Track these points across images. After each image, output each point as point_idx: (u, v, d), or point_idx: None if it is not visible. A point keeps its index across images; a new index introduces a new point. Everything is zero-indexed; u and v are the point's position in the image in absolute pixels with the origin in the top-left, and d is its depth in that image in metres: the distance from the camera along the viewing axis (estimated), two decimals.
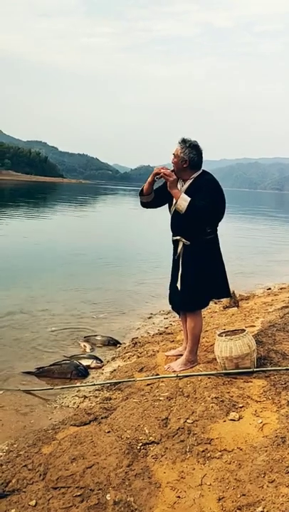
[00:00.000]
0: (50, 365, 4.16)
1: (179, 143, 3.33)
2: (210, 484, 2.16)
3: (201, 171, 3.39)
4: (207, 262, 3.39)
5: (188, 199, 3.21)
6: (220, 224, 3.48)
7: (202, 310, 3.67)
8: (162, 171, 3.29)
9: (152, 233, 16.79)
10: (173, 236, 3.49)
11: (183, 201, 3.22)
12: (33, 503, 2.14)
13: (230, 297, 4.19)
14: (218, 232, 3.47)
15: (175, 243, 3.49)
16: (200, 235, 3.34)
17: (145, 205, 3.60)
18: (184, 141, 3.32)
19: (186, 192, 3.32)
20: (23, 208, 26.32)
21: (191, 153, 3.29)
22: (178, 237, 3.43)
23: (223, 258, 3.51)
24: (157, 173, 3.34)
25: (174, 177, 3.29)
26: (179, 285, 3.45)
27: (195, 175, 3.37)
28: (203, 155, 3.39)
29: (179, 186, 3.36)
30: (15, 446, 2.70)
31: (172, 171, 3.36)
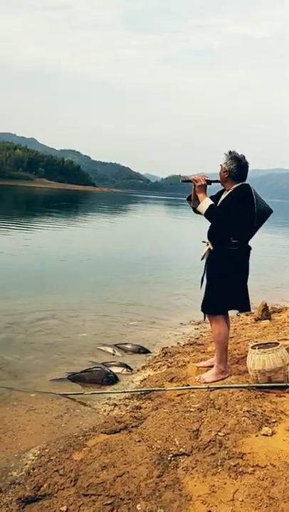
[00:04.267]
0: (82, 372, 4.20)
1: (225, 154, 3.45)
2: (242, 500, 2.11)
3: (241, 183, 3.44)
4: (227, 271, 3.43)
5: (210, 203, 3.44)
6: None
7: (232, 320, 3.66)
8: (193, 176, 3.57)
9: (186, 243, 16.74)
10: (205, 240, 3.60)
11: (204, 203, 3.46)
12: (64, 508, 2.15)
13: (248, 311, 4.19)
14: (247, 247, 3.48)
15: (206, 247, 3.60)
16: (223, 243, 3.42)
17: (194, 210, 3.66)
18: (229, 153, 3.45)
19: (223, 201, 3.46)
20: (56, 216, 26.80)
21: (231, 165, 3.41)
22: (206, 242, 3.57)
23: (248, 273, 3.52)
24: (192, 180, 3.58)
25: (202, 182, 3.51)
26: (201, 287, 3.61)
27: (235, 186, 3.44)
28: None
29: (223, 196, 3.51)
30: (46, 450, 2.73)
31: (217, 181, 3.54)
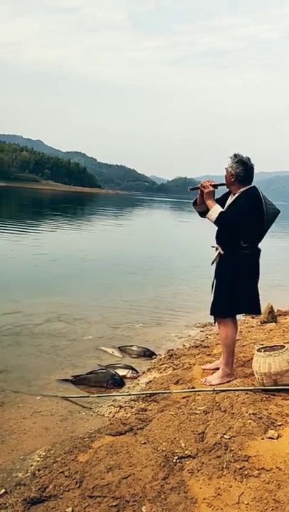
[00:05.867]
0: (87, 374, 4.20)
1: (230, 157, 3.42)
2: (247, 503, 2.10)
3: (248, 186, 3.42)
4: (238, 275, 3.42)
5: (219, 210, 3.39)
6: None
7: (238, 323, 3.66)
8: (200, 184, 3.54)
9: (189, 244, 16.72)
10: (214, 244, 3.59)
11: (214, 212, 3.41)
12: (69, 510, 2.16)
13: (259, 314, 4.23)
14: (258, 249, 3.48)
15: (215, 251, 3.58)
16: (234, 247, 3.40)
17: (200, 214, 3.67)
18: (234, 156, 3.41)
19: (230, 205, 3.45)
20: (62, 218, 26.86)
21: (237, 169, 3.37)
22: (216, 246, 3.55)
23: (258, 276, 3.52)
24: (200, 187, 3.55)
25: (211, 189, 3.48)
26: (212, 292, 3.58)
27: (242, 189, 3.42)
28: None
29: (229, 199, 3.50)
30: (52, 452, 2.74)
31: (223, 184, 3.51)
